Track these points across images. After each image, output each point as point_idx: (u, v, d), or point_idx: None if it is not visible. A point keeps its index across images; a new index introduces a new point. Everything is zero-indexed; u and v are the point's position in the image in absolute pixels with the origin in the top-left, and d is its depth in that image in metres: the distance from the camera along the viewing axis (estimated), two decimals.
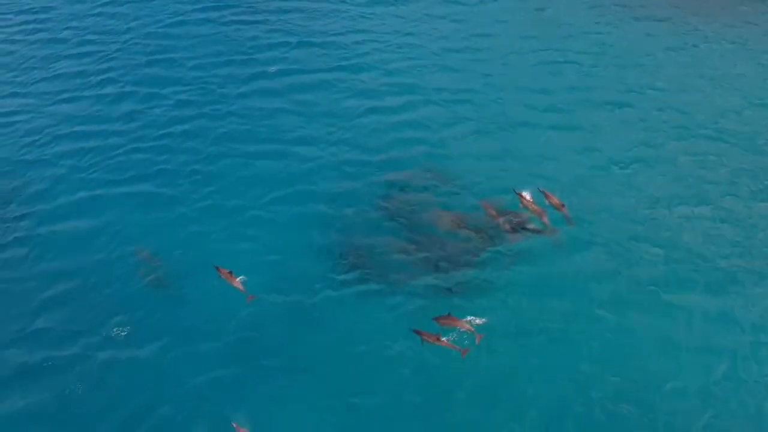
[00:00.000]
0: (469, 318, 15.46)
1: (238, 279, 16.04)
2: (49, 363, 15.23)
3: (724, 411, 14.21)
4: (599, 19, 28.32)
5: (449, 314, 15.33)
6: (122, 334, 15.75)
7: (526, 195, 18.55)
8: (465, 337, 15.19)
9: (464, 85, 24.59)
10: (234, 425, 13.53)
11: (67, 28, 27.74)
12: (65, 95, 24.01)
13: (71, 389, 14.67)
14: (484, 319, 15.53)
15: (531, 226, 18.30)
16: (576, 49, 26.49)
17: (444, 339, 14.97)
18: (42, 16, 28.71)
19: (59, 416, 14.29)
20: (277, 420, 13.88)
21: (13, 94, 24.23)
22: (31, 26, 28.04)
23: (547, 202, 18.54)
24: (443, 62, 25.95)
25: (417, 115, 23.06)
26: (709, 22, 28.00)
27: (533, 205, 18.45)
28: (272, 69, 25.33)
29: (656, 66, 25.61)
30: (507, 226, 18.37)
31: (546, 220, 18.30)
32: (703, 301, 16.46)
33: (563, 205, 18.41)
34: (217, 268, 16.19)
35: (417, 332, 15.02)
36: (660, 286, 16.79)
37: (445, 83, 24.67)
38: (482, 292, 16.73)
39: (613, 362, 15.15)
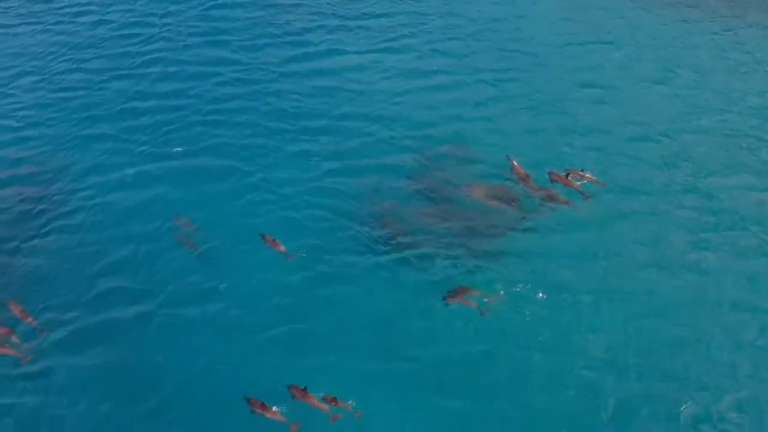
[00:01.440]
0: (479, 293, 16.07)
1: (281, 245, 17.03)
2: (108, 325, 15.90)
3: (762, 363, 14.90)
4: (634, 4, 28.48)
5: (459, 288, 16.13)
6: (174, 299, 16.38)
7: (516, 162, 19.27)
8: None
9: (504, 63, 25.08)
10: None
11: (111, 11, 28.36)
12: (114, 73, 24.70)
13: (130, 349, 15.35)
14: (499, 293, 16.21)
15: (561, 197, 18.73)
16: (612, 29, 26.86)
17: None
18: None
19: (119, 375, 14.94)
20: (321, 382, 14.35)
21: (69, 70, 24.96)
22: (75, 9, 28.73)
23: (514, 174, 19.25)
24: (483, 42, 26.34)
25: (457, 92, 23.62)
26: (745, 7, 28.22)
27: (520, 171, 19.14)
28: (315, 50, 25.92)
29: (691, 46, 25.94)
30: (538, 194, 18.85)
31: (532, 186, 18.90)
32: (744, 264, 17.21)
33: (528, 176, 19.07)
34: (263, 236, 17.24)
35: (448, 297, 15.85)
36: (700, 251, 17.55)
37: (485, 62, 25.10)
38: (519, 258, 17.45)
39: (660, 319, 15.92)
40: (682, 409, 14.23)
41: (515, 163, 19.35)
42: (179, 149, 20.98)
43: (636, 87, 23.85)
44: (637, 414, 14.22)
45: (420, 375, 14.83)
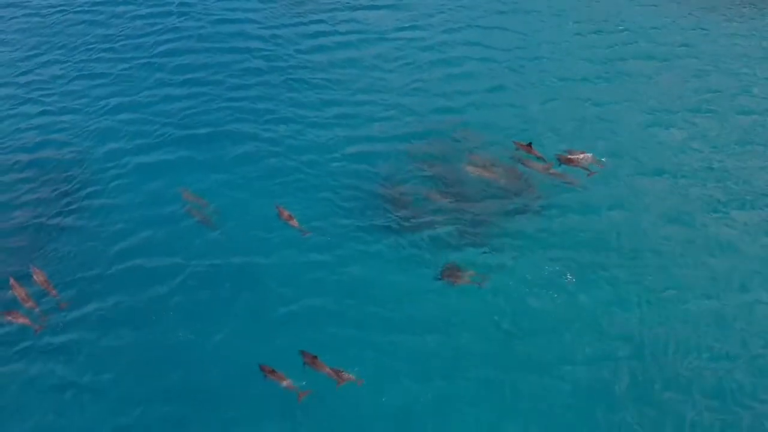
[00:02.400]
0: (471, 271, 16.49)
1: (296, 221, 17.55)
2: (127, 301, 16.34)
3: None
4: None
5: (453, 265, 16.59)
6: (193, 277, 16.83)
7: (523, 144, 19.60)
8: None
9: (520, 50, 25.52)
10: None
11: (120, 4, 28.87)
12: (136, 61, 25.25)
13: (150, 325, 15.84)
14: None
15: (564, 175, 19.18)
16: (628, 17, 27.26)
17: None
18: None
19: (138, 351, 15.40)
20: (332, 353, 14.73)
21: (93, 60, 25.50)
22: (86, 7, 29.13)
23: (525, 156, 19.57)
24: (499, 26, 26.93)
25: (473, 76, 24.08)
26: None
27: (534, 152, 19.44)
28: (333, 35, 26.51)
29: (703, 35, 26.18)
30: (550, 175, 19.15)
31: (544, 168, 19.22)
32: None
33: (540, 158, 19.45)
34: (279, 210, 17.74)
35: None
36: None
37: (502, 46, 25.63)
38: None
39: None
40: (700, 381, 14.52)
41: (523, 145, 19.62)
42: (200, 132, 21.45)
43: (649, 72, 24.08)
44: (652, 387, 14.48)
45: (431, 352, 15.13)
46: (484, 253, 17.28)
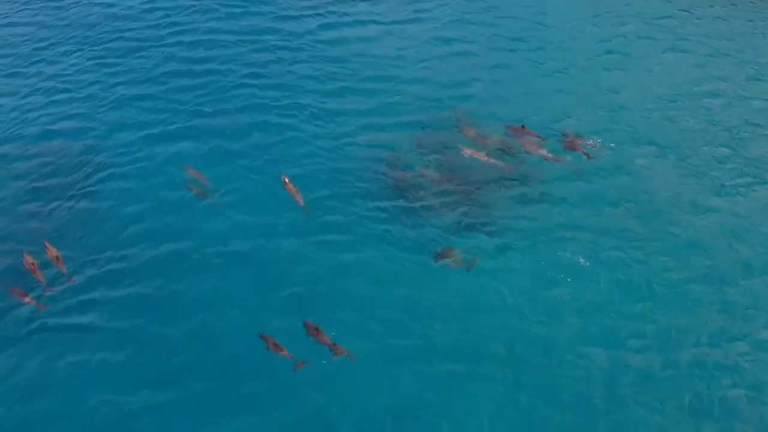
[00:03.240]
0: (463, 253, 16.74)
1: (301, 197, 17.80)
2: (133, 279, 16.64)
3: None
4: None
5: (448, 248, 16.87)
6: (201, 257, 17.14)
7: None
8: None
9: (523, 33, 25.92)
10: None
11: None
12: (151, 42, 25.85)
13: (153, 304, 16.12)
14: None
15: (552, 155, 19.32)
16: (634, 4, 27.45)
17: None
18: None
19: (143, 328, 15.63)
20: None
21: (109, 40, 26.24)
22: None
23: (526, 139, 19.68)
24: (503, 14, 27.16)
25: (475, 61, 24.40)
26: None
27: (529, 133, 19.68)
28: (342, 19, 27.25)
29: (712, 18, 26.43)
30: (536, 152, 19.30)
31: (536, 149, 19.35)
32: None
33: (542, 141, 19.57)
34: (285, 182, 18.10)
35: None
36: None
37: (505, 32, 26.01)
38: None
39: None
40: (706, 341, 14.92)
41: (518, 128, 19.92)
42: (212, 119, 21.83)
43: (655, 56, 24.32)
44: (660, 348, 14.80)
45: (431, 337, 15.26)
46: (488, 236, 17.41)
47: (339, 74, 23.81)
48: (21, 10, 28.37)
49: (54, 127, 21.74)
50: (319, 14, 27.34)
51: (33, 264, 16.31)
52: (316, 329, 14.64)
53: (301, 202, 17.66)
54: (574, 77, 23.27)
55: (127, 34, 26.39)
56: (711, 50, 24.51)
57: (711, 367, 14.56)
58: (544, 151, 19.18)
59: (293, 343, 14.50)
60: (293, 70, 24.07)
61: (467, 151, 19.47)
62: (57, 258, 16.51)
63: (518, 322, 15.41)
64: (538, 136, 19.55)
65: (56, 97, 23.07)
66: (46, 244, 16.78)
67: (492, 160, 19.23)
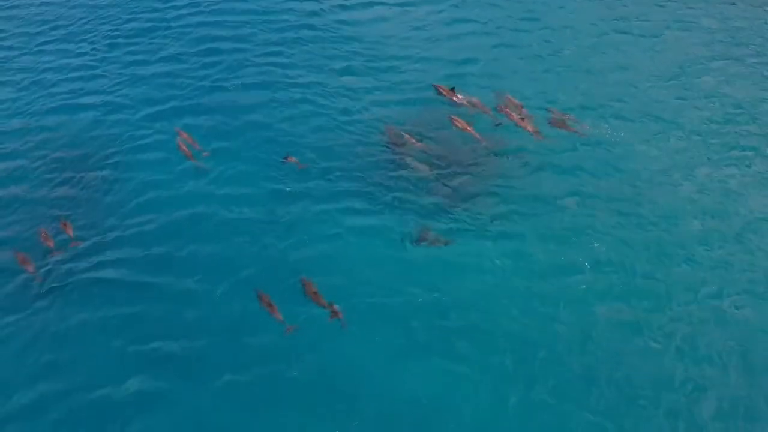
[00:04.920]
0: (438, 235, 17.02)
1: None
2: (141, 250, 17.19)
3: None
4: None
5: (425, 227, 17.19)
6: (207, 228, 17.77)
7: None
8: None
9: (528, 14, 26.50)
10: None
11: None
12: (178, 21, 26.99)
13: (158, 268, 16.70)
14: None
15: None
16: None
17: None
18: None
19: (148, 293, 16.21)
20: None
21: (131, 20, 27.23)
22: None
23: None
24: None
25: (479, 43, 24.94)
26: None
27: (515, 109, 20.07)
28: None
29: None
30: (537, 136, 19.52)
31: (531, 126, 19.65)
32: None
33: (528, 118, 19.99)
34: (287, 158, 19.12)
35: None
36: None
37: (511, 14, 26.61)
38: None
39: None
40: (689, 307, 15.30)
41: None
42: (223, 86, 22.80)
43: (662, 37, 24.79)
44: (645, 318, 15.12)
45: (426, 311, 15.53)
46: (472, 217, 17.69)
47: (348, 53, 24.41)
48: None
49: (70, 102, 22.58)
50: None
51: (45, 233, 17.18)
52: (315, 292, 15.10)
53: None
54: (580, 57, 23.71)
55: (142, 15, 27.23)
56: (712, 31, 24.92)
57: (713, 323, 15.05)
58: (530, 126, 19.56)
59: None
60: (306, 49, 24.79)
61: (458, 123, 19.88)
62: (65, 225, 17.40)
63: (507, 293, 15.79)
64: (522, 107, 20.10)
65: (71, 75, 23.94)
66: (63, 222, 17.57)
67: (477, 135, 19.57)
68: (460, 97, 20.62)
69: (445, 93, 20.79)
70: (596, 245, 16.67)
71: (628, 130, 20.16)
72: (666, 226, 17.16)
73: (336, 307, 14.87)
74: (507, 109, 20.05)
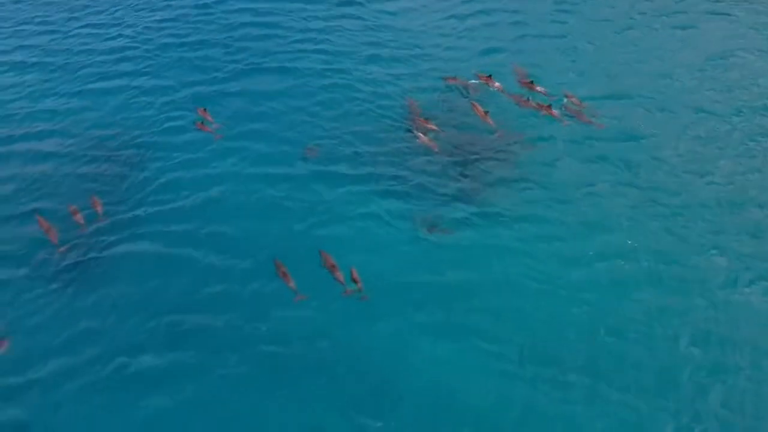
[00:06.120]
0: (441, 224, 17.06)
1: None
2: (164, 227, 17.43)
3: None
4: None
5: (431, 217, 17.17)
6: (224, 207, 17.98)
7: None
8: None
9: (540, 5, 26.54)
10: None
11: None
12: (185, 18, 27.13)
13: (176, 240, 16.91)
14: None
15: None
16: None
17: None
18: None
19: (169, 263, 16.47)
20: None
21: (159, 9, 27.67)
22: None
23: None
24: None
25: (492, 32, 25.24)
26: None
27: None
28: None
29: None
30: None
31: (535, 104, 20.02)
32: None
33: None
34: (307, 149, 19.42)
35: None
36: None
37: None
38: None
39: None
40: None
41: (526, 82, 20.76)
42: (261, 68, 23.29)
43: (694, 29, 24.70)
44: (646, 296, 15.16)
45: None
46: (482, 205, 17.68)
47: (378, 41, 24.69)
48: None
49: (101, 85, 23.05)
50: None
51: (74, 209, 17.52)
52: (333, 265, 15.24)
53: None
54: (611, 47, 23.69)
55: (175, 2, 27.79)
56: (745, 23, 24.68)
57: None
58: (552, 110, 19.76)
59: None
60: (336, 36, 25.08)
61: (477, 110, 20.10)
62: (95, 201, 17.76)
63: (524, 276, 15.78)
64: (545, 94, 20.31)
65: (101, 58, 24.52)
66: (93, 198, 17.92)
67: (492, 122, 19.69)
68: (497, 84, 20.80)
69: (483, 80, 21.00)
70: (616, 233, 16.56)
71: (657, 119, 20.03)
72: (690, 215, 16.98)
73: (355, 274, 14.96)
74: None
